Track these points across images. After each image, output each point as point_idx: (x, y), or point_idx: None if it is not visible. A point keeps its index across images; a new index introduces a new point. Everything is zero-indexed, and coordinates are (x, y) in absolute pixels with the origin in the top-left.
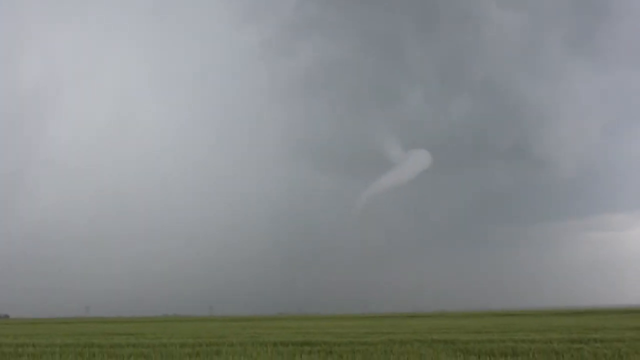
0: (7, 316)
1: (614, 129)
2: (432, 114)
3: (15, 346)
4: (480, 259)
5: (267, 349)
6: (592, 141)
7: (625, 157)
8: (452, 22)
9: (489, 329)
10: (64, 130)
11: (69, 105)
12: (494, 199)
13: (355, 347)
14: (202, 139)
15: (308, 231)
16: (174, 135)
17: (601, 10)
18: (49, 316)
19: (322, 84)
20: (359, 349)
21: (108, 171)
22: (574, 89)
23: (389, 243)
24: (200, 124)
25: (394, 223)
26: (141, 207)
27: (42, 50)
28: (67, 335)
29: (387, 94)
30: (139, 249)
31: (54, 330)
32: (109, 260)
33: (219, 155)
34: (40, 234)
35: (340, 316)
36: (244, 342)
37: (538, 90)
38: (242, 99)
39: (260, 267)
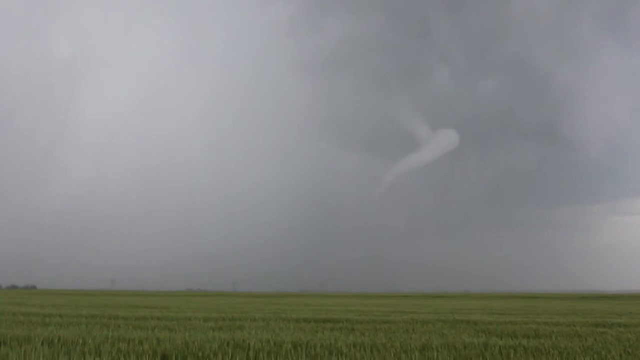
0: (34, 287)
1: None
2: (459, 92)
3: (43, 316)
4: (505, 241)
5: (290, 324)
6: (620, 122)
7: None
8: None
9: (513, 310)
10: (92, 106)
11: (98, 82)
12: (520, 180)
13: (377, 325)
14: (227, 117)
15: (331, 209)
16: (199, 113)
17: None
18: (75, 288)
19: (348, 62)
20: (381, 327)
21: (135, 147)
22: (603, 69)
23: (413, 222)
24: (224, 101)
25: (418, 202)
26: (167, 183)
27: (72, 26)
28: (93, 307)
29: (414, 72)
30: (165, 224)
31: (79, 301)
32: (134, 234)
33: (243, 132)
34: (69, 209)
35: (363, 294)
36: (267, 318)
37: (567, 69)
38: (267, 76)
39: (283, 244)
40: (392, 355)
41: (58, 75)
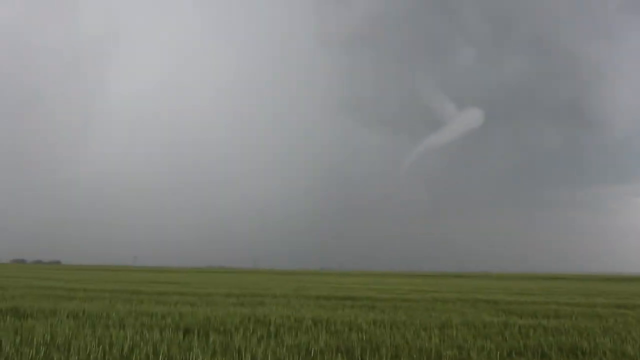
0: (58, 262)
1: None
2: (485, 70)
3: (68, 290)
4: (528, 221)
5: (310, 301)
6: None
7: None
8: None
9: (534, 291)
10: (120, 83)
11: (127, 59)
12: (544, 160)
13: (397, 304)
14: (251, 91)
15: (353, 187)
16: (225, 87)
17: None
18: (98, 264)
19: (372, 39)
20: (401, 305)
21: (163, 123)
22: (632, 49)
23: (436, 201)
24: (249, 75)
25: (441, 181)
26: (194, 158)
27: (101, 3)
28: (116, 282)
29: (439, 50)
30: (190, 201)
31: (102, 277)
32: (157, 211)
33: (267, 107)
34: (95, 186)
35: (384, 273)
36: (288, 295)
37: (593, 48)
38: (291, 51)
39: (304, 222)
40: (412, 332)
41: (88, 53)
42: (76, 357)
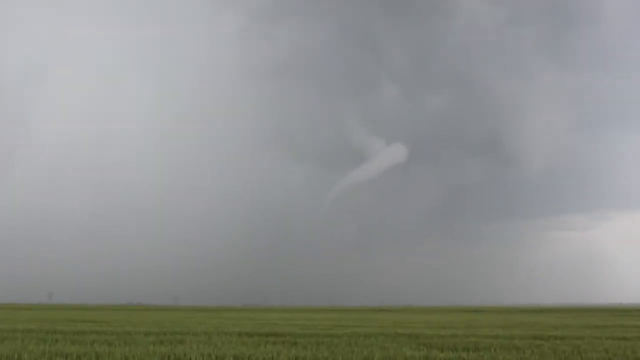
0: None
1: (581, 130)
2: (407, 106)
3: None
4: (448, 255)
5: (232, 338)
6: (559, 141)
7: (588, 158)
8: (426, 14)
9: (454, 324)
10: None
11: (51, 94)
12: (463, 194)
13: (320, 339)
14: (172, 123)
15: (278, 222)
16: (145, 118)
17: (570, 15)
18: (10, 302)
19: (297, 73)
20: (323, 340)
21: (78, 154)
22: (544, 87)
23: (361, 236)
24: (169, 108)
25: (367, 216)
26: (116, 194)
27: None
28: (30, 321)
29: (363, 85)
30: (104, 235)
31: (15, 315)
32: (72, 245)
33: (188, 140)
34: (6, 219)
35: (307, 308)
36: (209, 332)
37: (510, 86)
38: (215, 84)
39: (227, 258)
40: None
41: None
42: None
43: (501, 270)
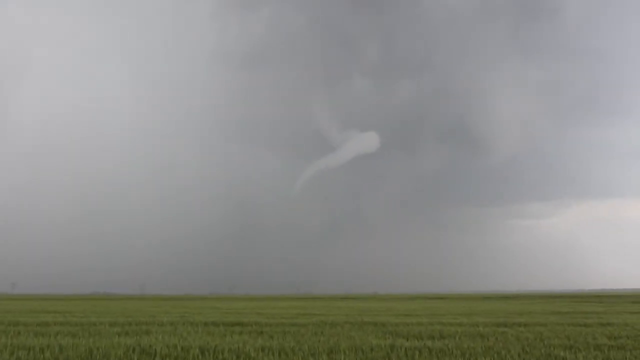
0: None
1: (544, 120)
2: (378, 94)
3: None
4: (414, 242)
5: (198, 328)
6: (523, 130)
7: (551, 148)
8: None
9: (418, 312)
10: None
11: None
12: (430, 182)
13: (286, 328)
14: (145, 109)
15: (246, 210)
16: (116, 106)
17: (534, 8)
18: None
19: (269, 62)
20: (289, 329)
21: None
22: (511, 79)
23: (330, 223)
24: (143, 94)
25: (336, 203)
26: (77, 188)
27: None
28: None
29: (334, 74)
30: (71, 226)
31: None
32: (36, 236)
33: (161, 126)
34: None
35: (273, 297)
36: (175, 322)
37: (478, 76)
38: (184, 68)
39: (193, 246)
40: (300, 358)
41: None
42: None
43: (465, 257)
